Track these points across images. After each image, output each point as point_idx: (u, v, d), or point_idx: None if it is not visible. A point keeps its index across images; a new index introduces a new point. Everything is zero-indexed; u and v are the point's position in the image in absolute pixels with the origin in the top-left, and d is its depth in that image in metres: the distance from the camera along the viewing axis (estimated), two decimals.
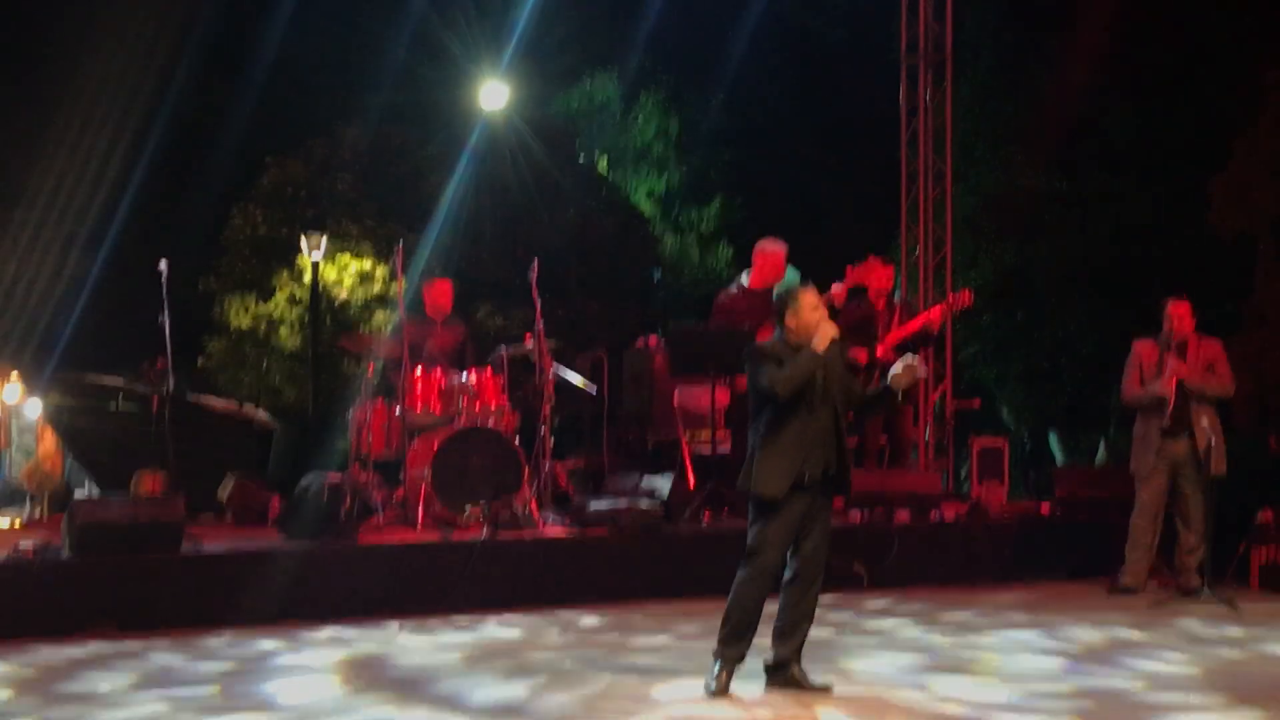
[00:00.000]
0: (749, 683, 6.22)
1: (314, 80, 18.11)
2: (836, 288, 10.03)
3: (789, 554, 6.20)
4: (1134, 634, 7.75)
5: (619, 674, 6.58)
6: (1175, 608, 8.61)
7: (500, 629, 7.85)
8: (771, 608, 6.23)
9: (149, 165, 16.17)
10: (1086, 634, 7.76)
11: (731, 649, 6.15)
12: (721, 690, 6.07)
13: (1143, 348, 9.20)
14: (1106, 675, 6.65)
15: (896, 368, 6.24)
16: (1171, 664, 6.94)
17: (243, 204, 15.82)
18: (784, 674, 6.20)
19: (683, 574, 8.82)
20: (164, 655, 6.97)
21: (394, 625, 7.80)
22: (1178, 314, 9.04)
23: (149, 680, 6.38)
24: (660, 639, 7.51)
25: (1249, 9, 15.18)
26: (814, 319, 6.18)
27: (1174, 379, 8.88)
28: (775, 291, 10.43)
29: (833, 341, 6.24)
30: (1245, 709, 5.96)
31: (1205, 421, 8.74)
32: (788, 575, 6.23)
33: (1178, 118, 16.67)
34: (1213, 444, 8.64)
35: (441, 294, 10.43)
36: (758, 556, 6.13)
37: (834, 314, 10.02)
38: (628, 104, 21.51)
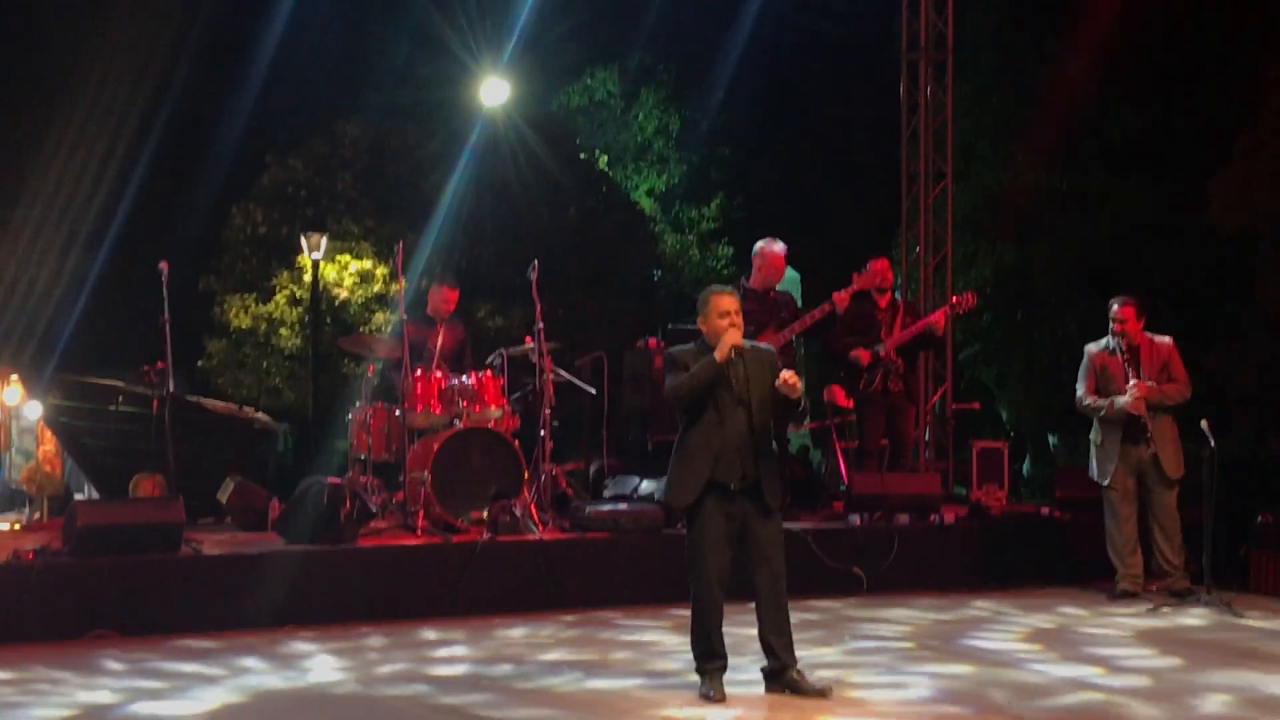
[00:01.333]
0: (750, 687, 6.25)
1: (314, 79, 18.11)
2: (839, 295, 10.03)
3: (749, 568, 6.18)
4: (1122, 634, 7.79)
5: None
6: (1173, 610, 8.61)
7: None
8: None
9: (149, 165, 16.18)
10: (1076, 641, 7.77)
11: (709, 662, 6.19)
12: (719, 696, 6.08)
13: (1095, 355, 9.17)
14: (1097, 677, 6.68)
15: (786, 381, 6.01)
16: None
17: (243, 203, 15.81)
18: (782, 678, 6.22)
19: (681, 578, 8.80)
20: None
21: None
22: (1124, 316, 9.01)
23: None
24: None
25: (1249, 9, 15.15)
26: (720, 325, 6.13)
27: (1140, 400, 8.85)
28: (780, 291, 10.48)
29: (755, 348, 6.21)
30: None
31: (1165, 424, 8.77)
32: (755, 590, 6.22)
33: (1178, 118, 16.65)
34: (1209, 454, 8.60)
35: (448, 299, 10.44)
36: (693, 568, 6.17)
37: (833, 320, 10.10)
38: (628, 101, 21.52)
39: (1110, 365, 9.05)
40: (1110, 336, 9.07)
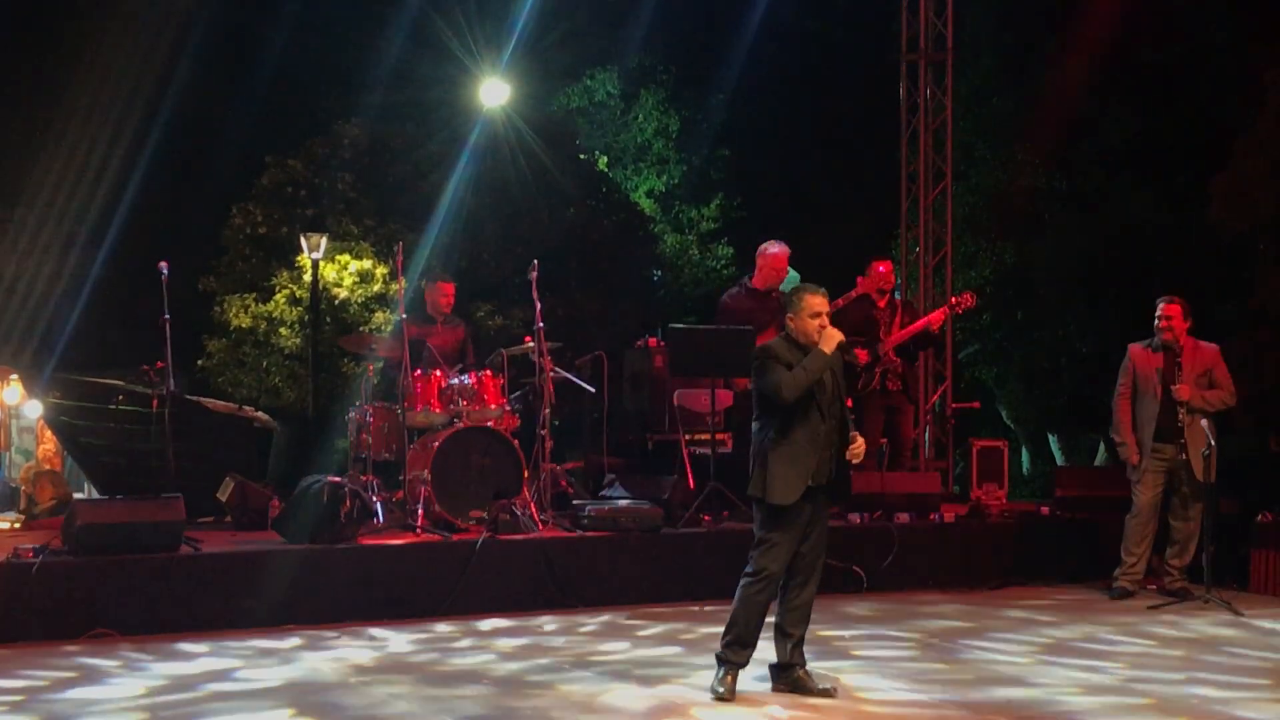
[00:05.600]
0: (755, 685, 6.26)
1: (314, 80, 18.12)
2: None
3: (793, 561, 6.21)
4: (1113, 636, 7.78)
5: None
6: (1173, 609, 8.62)
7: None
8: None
9: (149, 165, 16.18)
10: (1077, 640, 7.77)
11: (736, 654, 6.17)
12: (729, 694, 6.08)
13: (1136, 353, 9.15)
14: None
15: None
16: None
17: (243, 204, 15.81)
18: (789, 675, 6.22)
19: (681, 577, 8.81)
20: None
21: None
22: (1169, 314, 8.99)
23: None
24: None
25: (1249, 9, 15.16)
26: (812, 325, 6.16)
27: (1187, 387, 8.82)
28: (782, 292, 10.47)
29: (839, 346, 6.25)
30: None
31: (1202, 428, 8.71)
32: (785, 575, 6.24)
33: (1178, 118, 16.66)
34: (1208, 452, 8.59)
35: (443, 294, 10.43)
36: (765, 563, 6.13)
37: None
38: (628, 102, 21.51)
39: (1148, 364, 9.02)
40: (1156, 334, 9.05)
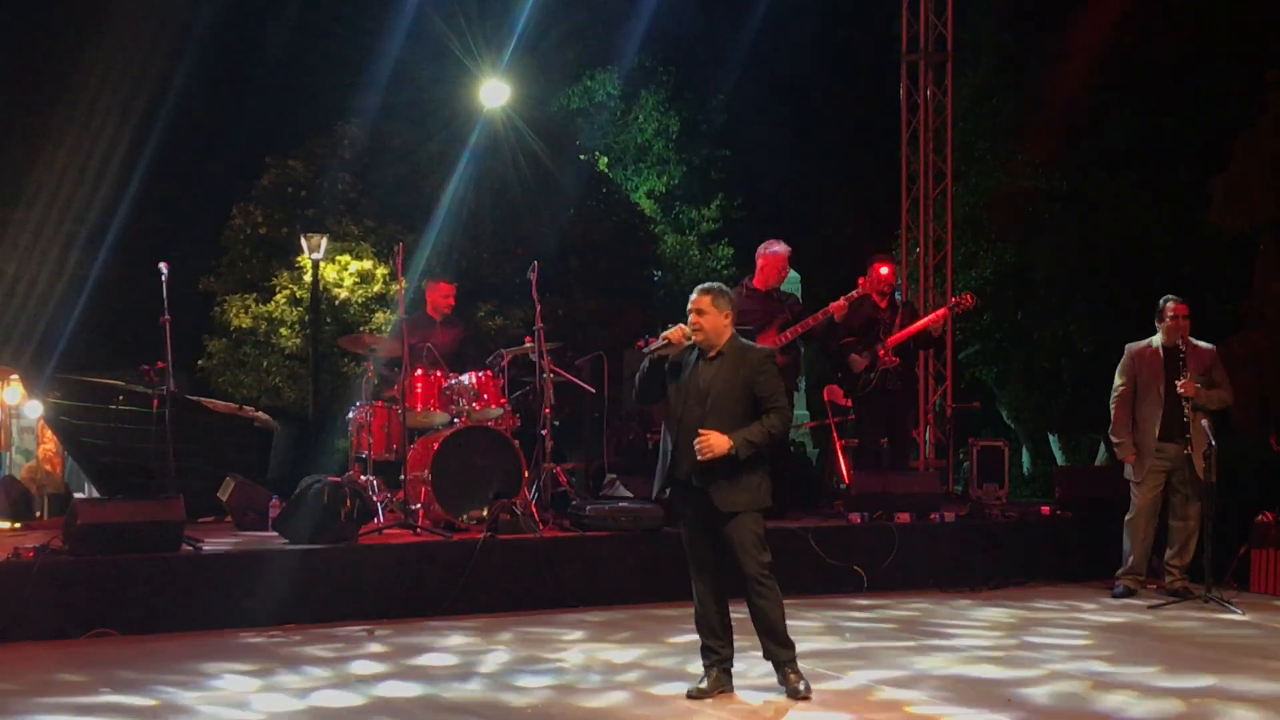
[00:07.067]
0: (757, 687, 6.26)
1: (314, 80, 18.13)
2: (837, 304, 10.00)
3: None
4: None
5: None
6: (1173, 609, 8.62)
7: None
8: None
9: (149, 165, 16.19)
10: (1073, 640, 7.77)
11: (703, 654, 6.20)
12: (698, 691, 6.10)
13: (1135, 353, 9.15)
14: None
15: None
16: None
17: (243, 204, 15.82)
18: (779, 675, 6.21)
19: (681, 577, 8.80)
20: None
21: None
22: (1182, 313, 9.00)
23: None
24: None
25: (1249, 9, 15.18)
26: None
27: (1190, 384, 8.83)
28: (783, 292, 10.48)
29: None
30: None
31: (1203, 427, 8.71)
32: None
33: (1178, 118, 16.66)
34: (1208, 451, 8.59)
35: (444, 295, 10.43)
36: (687, 557, 6.24)
37: (832, 327, 10.09)
38: (628, 103, 21.54)
39: (1149, 363, 9.02)
40: (1161, 334, 9.04)
